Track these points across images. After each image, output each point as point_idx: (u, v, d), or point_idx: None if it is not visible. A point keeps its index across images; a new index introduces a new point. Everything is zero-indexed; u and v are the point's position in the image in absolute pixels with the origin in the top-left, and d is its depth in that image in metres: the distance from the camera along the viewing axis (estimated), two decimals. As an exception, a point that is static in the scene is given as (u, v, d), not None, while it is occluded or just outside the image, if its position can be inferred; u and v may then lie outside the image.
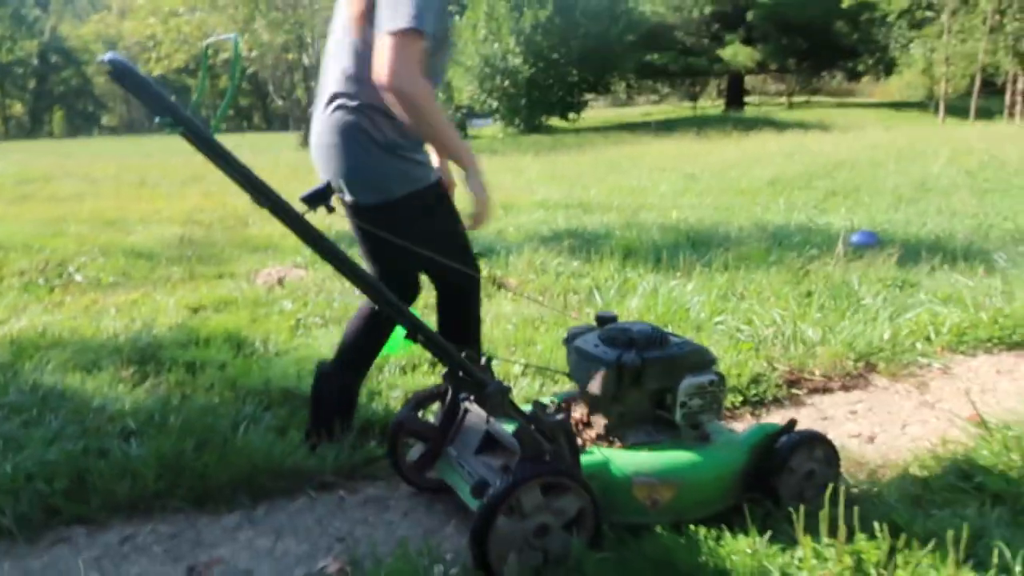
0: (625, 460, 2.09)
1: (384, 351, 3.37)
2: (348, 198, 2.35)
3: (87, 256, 5.82)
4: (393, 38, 2.06)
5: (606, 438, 2.21)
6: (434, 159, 2.49)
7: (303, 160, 17.02)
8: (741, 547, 1.96)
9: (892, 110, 31.92)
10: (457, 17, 30.53)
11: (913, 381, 3.22)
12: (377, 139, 2.27)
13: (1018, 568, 1.83)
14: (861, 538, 1.97)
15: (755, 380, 3.10)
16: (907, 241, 5.48)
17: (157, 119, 1.69)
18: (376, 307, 1.98)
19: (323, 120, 2.34)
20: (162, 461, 2.42)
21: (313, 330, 3.94)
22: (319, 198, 1.83)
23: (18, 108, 62.88)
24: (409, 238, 2.20)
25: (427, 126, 2.17)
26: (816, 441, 2.22)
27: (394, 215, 2.31)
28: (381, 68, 2.07)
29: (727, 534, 1.99)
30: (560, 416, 2.00)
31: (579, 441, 2.13)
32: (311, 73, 27.17)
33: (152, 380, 3.18)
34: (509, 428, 2.02)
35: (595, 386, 2.15)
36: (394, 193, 2.30)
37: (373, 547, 2.07)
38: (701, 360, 2.20)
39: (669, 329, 2.54)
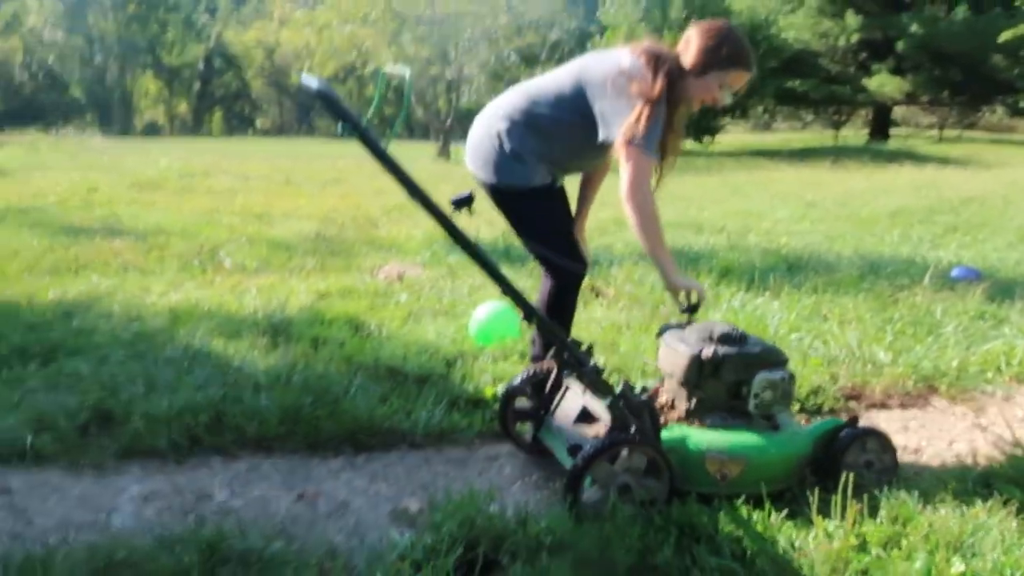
0: (700, 437, 2.45)
1: (479, 342, 3.82)
2: (483, 178, 2.88)
3: (235, 244, 6.52)
4: (631, 154, 2.55)
5: (687, 419, 2.57)
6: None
7: (439, 169, 17.84)
8: (757, 520, 2.26)
9: (1050, 148, 30.19)
10: (598, 38, 31.00)
11: (971, 405, 3.37)
12: (505, 144, 2.80)
13: (1003, 557, 2.05)
14: (869, 523, 2.24)
15: (815, 391, 3.34)
16: (1012, 279, 5.48)
17: (340, 128, 2.24)
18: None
19: (492, 117, 2.88)
20: (284, 410, 2.93)
21: (423, 320, 4.40)
22: (463, 203, 2.38)
23: (183, 108, 67.45)
24: (516, 221, 2.88)
25: (650, 232, 2.62)
26: (872, 435, 2.55)
27: (504, 198, 2.87)
28: (624, 180, 2.58)
29: (745, 507, 2.30)
30: (644, 395, 2.41)
31: (662, 420, 2.52)
32: (453, 86, 28.21)
33: (282, 349, 3.70)
34: (602, 403, 2.41)
35: (679, 373, 2.54)
36: (505, 182, 2.82)
37: (448, 492, 2.48)
38: (774, 358, 2.54)
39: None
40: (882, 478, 2.51)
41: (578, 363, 2.43)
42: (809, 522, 2.25)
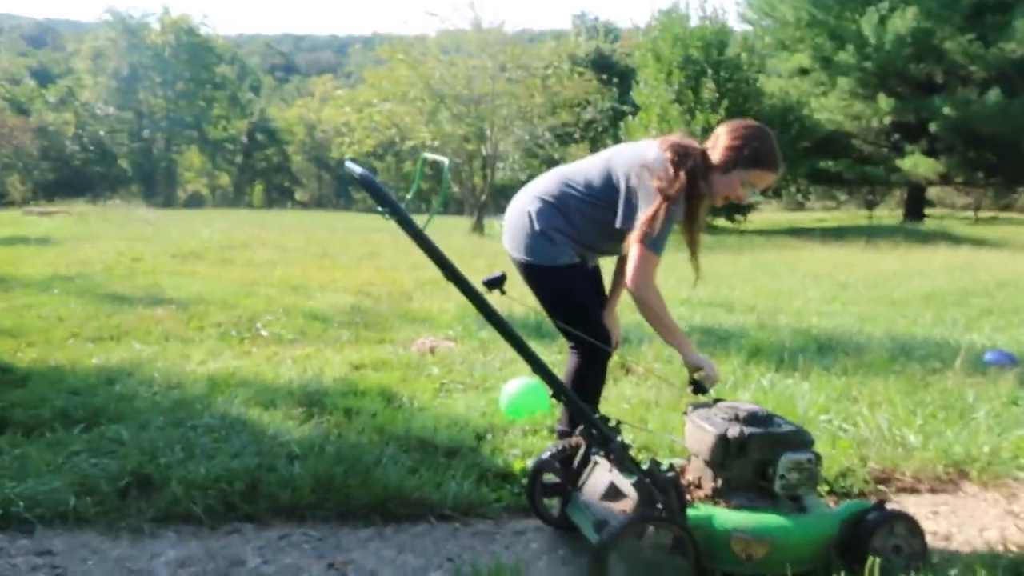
0: (726, 516, 2.47)
1: (509, 415, 3.88)
2: (514, 254, 3.01)
3: (272, 315, 6.68)
4: (640, 252, 2.72)
5: (713, 499, 2.59)
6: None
7: (472, 244, 18.10)
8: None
9: (1089, 231, 29.92)
10: (630, 117, 31.56)
11: (1003, 491, 3.35)
12: (535, 223, 2.94)
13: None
14: (895, 609, 2.23)
15: (844, 473, 3.34)
16: (1047, 364, 5.43)
17: (380, 209, 2.38)
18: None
19: (526, 198, 3.03)
20: (317, 479, 3.00)
21: (454, 393, 4.47)
22: (496, 283, 2.51)
23: (225, 179, 69.32)
24: (544, 298, 2.99)
25: (654, 318, 2.82)
26: (901, 518, 2.54)
27: (533, 275, 2.97)
28: (629, 271, 2.76)
29: (772, 589, 2.30)
30: (671, 473, 2.45)
31: (689, 498, 2.55)
32: (488, 162, 28.74)
33: (316, 419, 3.78)
34: (629, 480, 2.46)
35: (705, 452, 2.58)
36: (533, 259, 2.94)
37: (475, 565, 2.51)
38: (800, 440, 2.57)
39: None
40: (911, 564, 2.50)
41: (605, 439, 2.48)
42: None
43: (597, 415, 2.54)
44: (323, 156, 68.28)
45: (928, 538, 2.77)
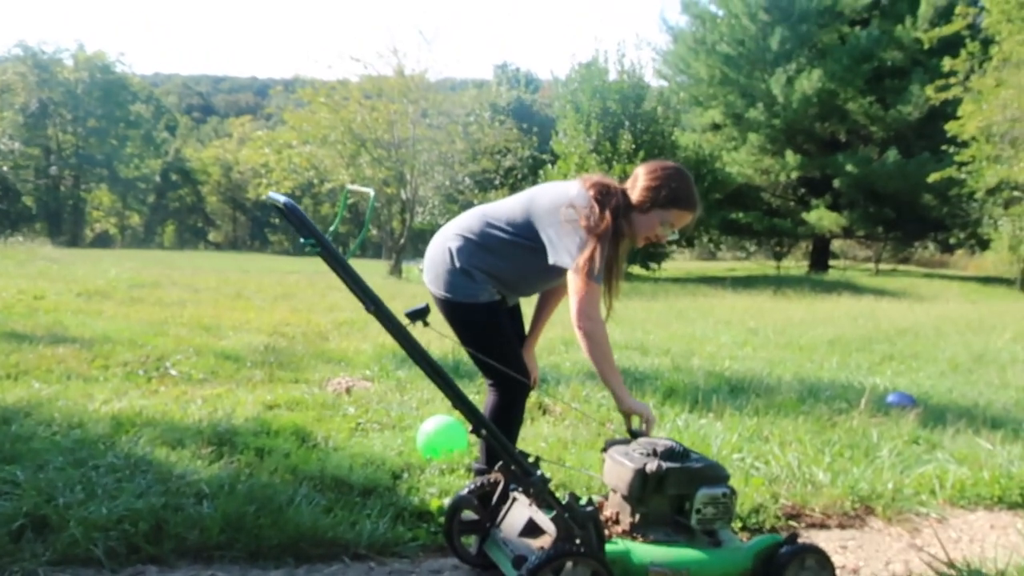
0: (644, 551, 2.50)
1: (426, 455, 3.84)
2: (434, 291, 2.99)
3: (183, 354, 6.47)
4: (583, 284, 2.70)
5: (631, 534, 2.60)
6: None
7: (390, 286, 17.97)
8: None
9: (979, 284, 31.52)
10: (550, 166, 32.08)
11: (907, 526, 3.46)
12: (456, 260, 2.92)
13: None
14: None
15: (756, 510, 3.41)
16: (944, 406, 5.68)
17: (303, 241, 2.36)
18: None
19: (447, 235, 3.02)
20: (226, 519, 2.89)
21: (370, 433, 4.40)
22: (419, 315, 2.45)
23: (135, 219, 67.36)
24: (463, 334, 2.96)
25: (600, 355, 2.76)
26: (812, 552, 2.60)
27: (453, 311, 2.95)
28: (574, 305, 2.73)
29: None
30: (590, 508, 2.45)
31: (607, 533, 2.56)
32: (407, 206, 28.73)
33: (226, 459, 3.66)
34: (548, 515, 2.45)
35: (623, 487, 2.59)
36: (453, 296, 2.93)
37: (390, 605, 2.45)
38: (716, 474, 2.61)
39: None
40: None
41: (525, 474, 2.47)
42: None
43: (516, 451, 2.54)
44: (239, 197, 67.19)
45: (837, 571, 2.83)
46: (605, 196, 2.82)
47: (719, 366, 7.07)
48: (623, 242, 2.89)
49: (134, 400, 4.82)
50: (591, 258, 2.71)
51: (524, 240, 2.88)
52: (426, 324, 2.45)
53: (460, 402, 2.48)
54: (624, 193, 2.88)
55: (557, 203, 2.83)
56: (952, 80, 22.95)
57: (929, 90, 24.48)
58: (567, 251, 2.76)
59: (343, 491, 3.35)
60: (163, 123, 68.45)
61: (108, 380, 5.46)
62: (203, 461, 3.58)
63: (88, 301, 10.27)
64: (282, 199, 2.33)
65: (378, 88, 27.57)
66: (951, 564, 2.76)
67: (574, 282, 2.73)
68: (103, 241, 59.99)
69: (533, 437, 4.33)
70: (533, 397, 5.26)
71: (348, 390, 5.44)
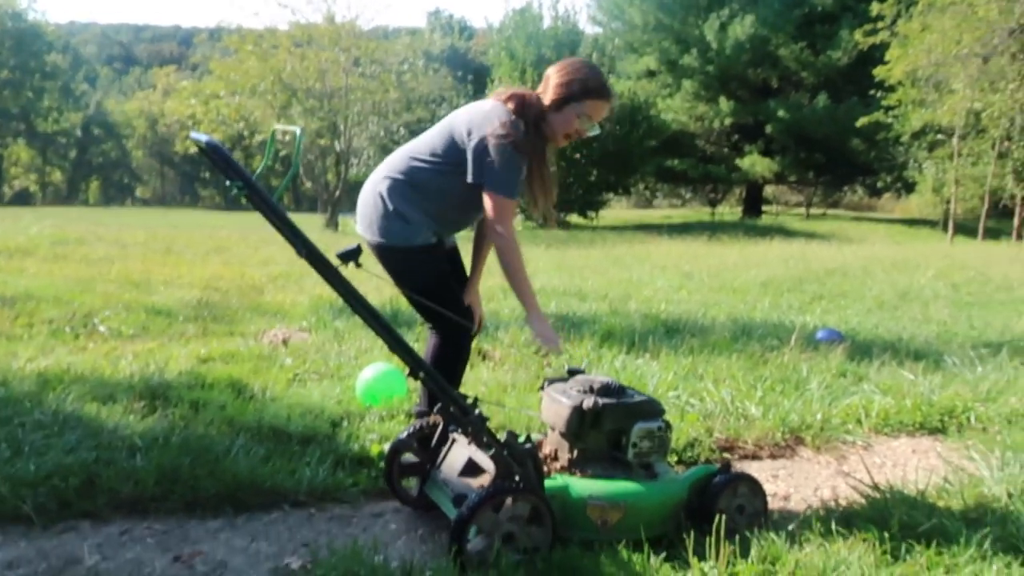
0: (581, 485, 2.53)
1: (366, 402, 3.82)
2: (368, 237, 2.94)
3: (111, 311, 6.29)
4: (495, 199, 2.75)
5: (569, 470, 2.64)
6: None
7: (326, 239, 17.70)
8: (636, 562, 2.33)
9: (905, 226, 32.56)
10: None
11: (835, 454, 3.59)
12: (388, 203, 2.88)
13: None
14: (741, 563, 2.35)
15: (691, 444, 3.49)
16: (871, 341, 5.86)
17: (229, 183, 2.29)
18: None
19: (376, 179, 2.97)
20: (161, 471, 2.84)
21: (308, 383, 4.35)
22: (350, 256, 2.41)
23: (57, 176, 64.91)
24: (401, 279, 2.94)
25: (512, 269, 2.81)
26: (744, 480, 2.68)
27: (388, 257, 2.93)
28: (488, 220, 2.79)
29: (625, 551, 2.37)
30: (528, 445, 2.47)
31: (546, 470, 2.58)
32: (342, 158, 28.26)
33: (160, 413, 3.59)
34: (487, 454, 2.46)
35: (561, 424, 2.62)
36: (388, 241, 2.89)
37: (332, 550, 2.45)
38: (651, 409, 2.66)
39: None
40: (753, 521, 2.65)
41: (464, 413, 2.48)
42: (686, 564, 2.35)
43: (455, 392, 2.54)
44: (166, 151, 65.17)
45: (769, 498, 2.92)
46: (521, 106, 2.81)
47: (655, 309, 7.17)
48: (547, 147, 2.90)
49: (61, 357, 4.69)
50: (502, 167, 2.72)
51: (449, 167, 2.84)
52: (358, 265, 2.41)
53: (397, 345, 2.47)
54: (538, 98, 2.87)
55: (474, 120, 2.81)
56: (880, 25, 23.32)
57: (857, 35, 24.85)
58: (483, 168, 2.76)
59: (281, 440, 3.32)
60: (82, 74, 65.73)
61: (33, 338, 5.29)
62: (135, 416, 3.51)
63: (9, 259, 9.90)
64: (204, 139, 2.25)
65: (308, 36, 26.89)
66: (875, 487, 2.87)
67: (487, 198, 2.75)
68: (23, 199, 57.79)
69: (473, 381, 4.33)
70: (473, 344, 5.28)
71: (285, 342, 5.37)
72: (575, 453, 2.65)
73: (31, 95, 56.08)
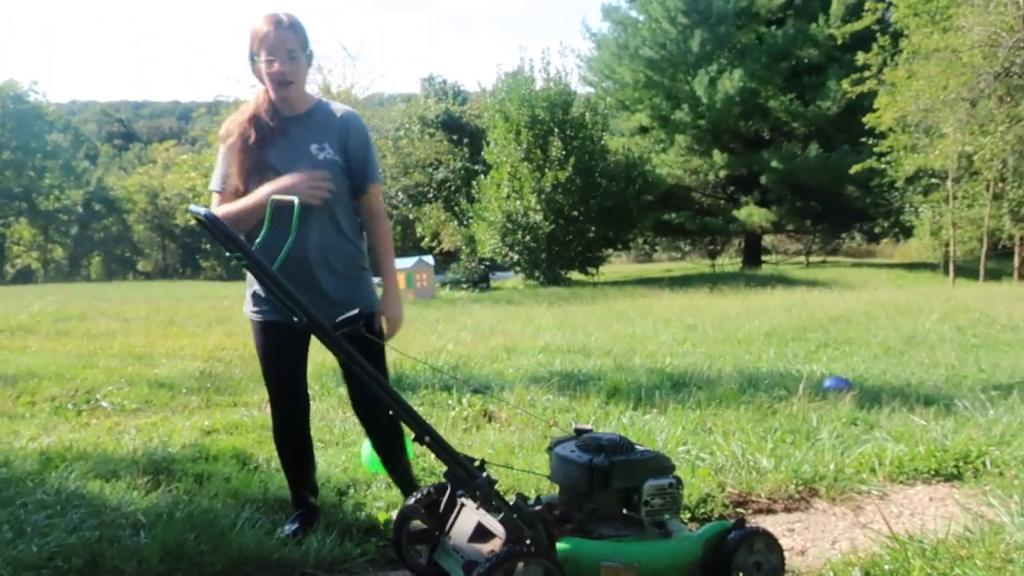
0: (594, 548, 2.46)
1: (372, 469, 3.77)
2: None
3: (114, 385, 6.27)
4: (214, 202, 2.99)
5: (581, 531, 2.58)
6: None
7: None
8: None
9: (905, 270, 32.61)
10: (483, 176, 32.12)
11: (851, 505, 3.52)
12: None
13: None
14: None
15: (704, 499, 3.43)
16: (879, 388, 5.81)
17: (228, 254, 2.35)
18: None
19: None
20: (166, 548, 2.79)
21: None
22: (348, 322, 2.43)
23: (59, 252, 65.30)
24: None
25: (235, 220, 2.73)
26: (760, 535, 2.61)
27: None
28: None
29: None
30: (538, 507, 2.42)
31: (558, 532, 2.51)
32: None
33: (164, 487, 3.54)
34: (496, 518, 2.41)
35: (570, 484, 2.57)
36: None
37: (340, 622, 2.39)
38: (661, 465, 2.61)
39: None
40: (774, 573, 2.58)
41: (470, 477, 2.44)
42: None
43: (460, 455, 2.50)
44: (167, 224, 65.76)
45: (785, 553, 2.86)
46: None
47: (660, 363, 7.13)
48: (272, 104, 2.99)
49: (63, 434, 4.65)
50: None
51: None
52: (359, 333, 2.40)
53: (401, 409, 2.44)
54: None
55: None
56: (866, 74, 23.70)
57: (845, 84, 25.23)
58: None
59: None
60: (83, 152, 66.57)
61: (35, 416, 5.27)
62: (139, 491, 3.46)
63: (11, 337, 9.90)
64: (203, 211, 2.28)
65: (305, 106, 27.28)
66: (895, 538, 2.81)
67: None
68: (25, 276, 58.09)
69: (480, 444, 4.29)
70: (477, 405, 5.24)
71: (288, 410, 5.32)
72: (586, 513, 2.60)
73: (33, 174, 56.82)
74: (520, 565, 2.28)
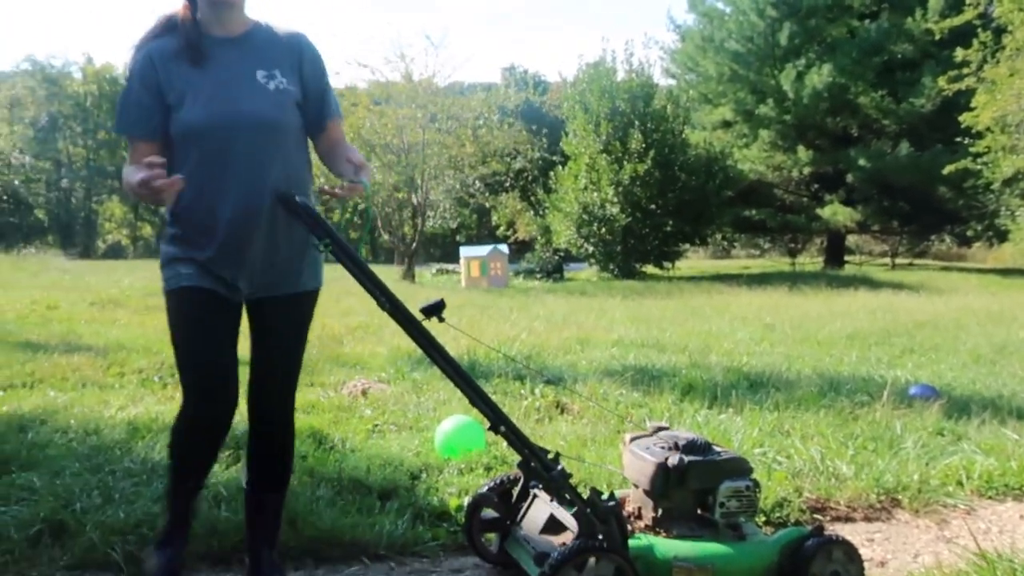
0: (668, 546, 2.44)
1: (444, 454, 3.80)
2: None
3: (198, 360, 6.45)
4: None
5: (654, 529, 2.56)
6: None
7: (403, 291, 17.91)
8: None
9: (999, 276, 31.23)
10: (560, 167, 32.03)
11: (935, 518, 3.40)
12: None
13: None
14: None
15: (780, 504, 3.35)
16: (968, 397, 5.59)
17: (316, 242, 2.36)
18: None
19: None
20: (243, 524, 2.85)
21: (387, 434, 4.36)
22: (434, 310, 2.40)
23: (147, 230, 67.61)
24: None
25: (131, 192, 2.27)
26: (839, 544, 2.54)
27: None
28: None
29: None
30: (612, 503, 2.40)
31: (629, 529, 2.50)
32: (419, 211, 28.74)
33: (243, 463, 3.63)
34: (569, 511, 2.41)
35: (645, 482, 2.55)
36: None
37: (411, 606, 2.41)
38: (739, 467, 2.57)
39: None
40: None
41: (545, 469, 2.43)
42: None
43: (536, 447, 2.49)
44: (251, 205, 67.32)
45: (865, 564, 2.77)
46: None
47: (737, 362, 7.01)
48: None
49: (150, 406, 4.82)
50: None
51: None
52: (441, 320, 2.42)
53: (477, 397, 2.45)
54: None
55: None
56: (965, 71, 22.72)
57: (942, 81, 24.24)
58: None
59: (361, 492, 3.32)
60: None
61: (123, 387, 5.46)
62: (220, 464, 3.55)
63: (102, 310, 10.31)
64: (298, 198, 2.32)
65: (386, 93, 27.60)
66: (982, 555, 2.70)
67: None
68: (115, 252, 60.20)
69: (552, 435, 4.28)
70: (550, 396, 5.23)
71: (364, 392, 5.41)
72: (659, 512, 2.57)
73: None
74: (592, 560, 2.27)
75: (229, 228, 2.35)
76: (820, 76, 29.65)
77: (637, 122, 28.99)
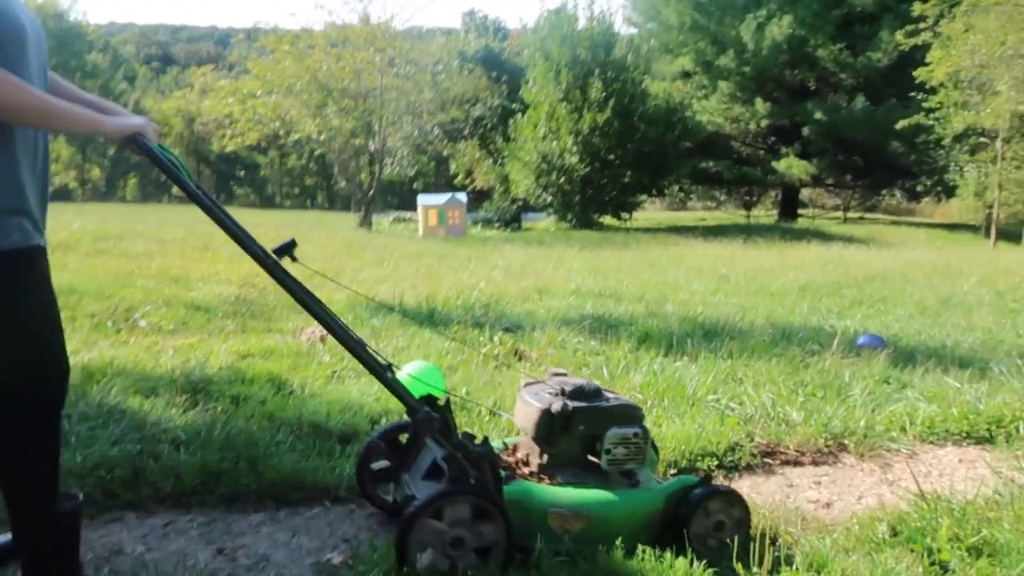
0: (543, 492, 2.41)
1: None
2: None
3: (151, 306, 6.37)
4: None
5: (539, 475, 2.53)
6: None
7: (360, 238, 17.82)
8: (680, 568, 2.30)
9: (945, 231, 31.96)
10: (520, 115, 31.81)
11: (879, 462, 3.53)
12: None
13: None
14: (786, 570, 2.32)
15: (732, 448, 3.45)
16: (913, 348, 5.76)
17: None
18: None
19: None
20: (204, 466, 2.87)
21: (346, 380, 4.37)
22: (285, 250, 2.45)
23: (96, 173, 65.96)
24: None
25: (29, 113, 1.98)
26: (726, 495, 2.51)
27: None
28: None
29: (669, 556, 2.34)
30: (484, 447, 2.35)
31: (511, 474, 2.47)
32: (376, 157, 28.40)
33: (201, 407, 3.62)
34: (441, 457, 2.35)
35: (531, 428, 2.52)
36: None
37: (372, 546, 2.45)
38: (629, 414, 2.53)
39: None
40: (731, 537, 2.46)
41: (412, 411, 2.36)
42: (730, 570, 2.31)
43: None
44: (202, 149, 65.95)
45: (811, 506, 2.89)
46: None
47: (692, 312, 7.11)
48: None
49: (104, 351, 4.75)
50: None
51: None
52: (294, 259, 2.40)
53: (352, 342, 2.44)
54: None
55: None
56: (922, 25, 22.92)
57: (899, 35, 24.42)
58: None
59: (321, 437, 3.34)
60: (121, 73, 66.74)
61: (76, 331, 5.37)
62: (178, 409, 3.55)
63: (51, 254, 10.02)
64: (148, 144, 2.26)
65: (343, 36, 27.03)
66: (922, 496, 2.82)
67: None
68: (63, 195, 58.76)
69: (510, 381, 4.32)
70: (508, 343, 5.28)
71: (322, 339, 5.39)
72: (545, 458, 2.54)
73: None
74: (457, 503, 2.22)
75: None
76: (780, 28, 29.70)
77: (597, 70, 28.84)
